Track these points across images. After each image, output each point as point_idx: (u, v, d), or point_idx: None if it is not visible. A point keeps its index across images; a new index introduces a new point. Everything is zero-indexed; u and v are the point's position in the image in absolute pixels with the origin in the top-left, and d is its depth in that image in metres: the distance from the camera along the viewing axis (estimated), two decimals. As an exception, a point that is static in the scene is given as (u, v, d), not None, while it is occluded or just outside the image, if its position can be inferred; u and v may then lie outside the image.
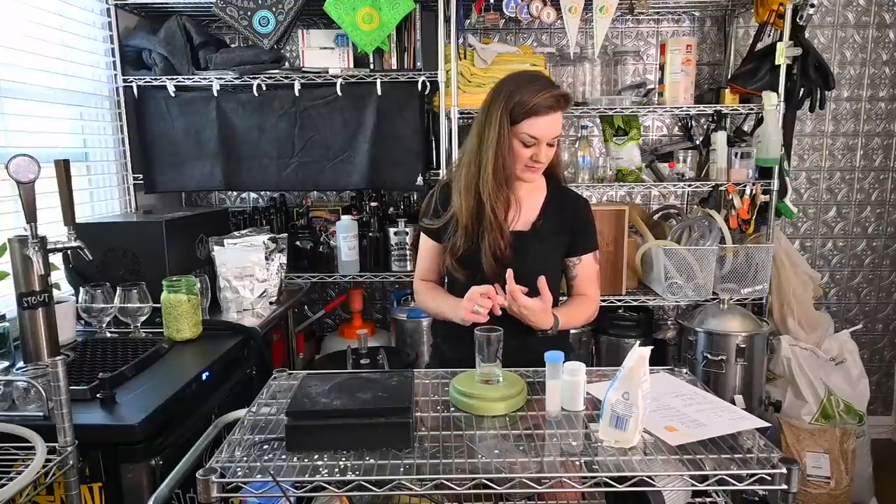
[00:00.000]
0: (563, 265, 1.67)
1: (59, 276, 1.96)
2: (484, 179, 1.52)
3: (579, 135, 2.71)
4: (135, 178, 2.59)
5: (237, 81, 2.51)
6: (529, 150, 1.51)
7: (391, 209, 2.77)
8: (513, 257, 1.56)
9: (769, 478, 0.96)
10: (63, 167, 1.56)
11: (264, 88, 2.54)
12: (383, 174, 2.60)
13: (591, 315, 1.67)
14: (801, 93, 2.50)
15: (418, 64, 2.53)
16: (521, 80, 1.52)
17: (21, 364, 1.53)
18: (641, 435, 1.06)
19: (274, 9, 2.42)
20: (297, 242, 2.67)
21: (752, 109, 2.56)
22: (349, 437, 1.06)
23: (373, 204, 2.66)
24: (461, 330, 1.51)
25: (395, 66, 2.53)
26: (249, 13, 2.43)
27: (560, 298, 1.73)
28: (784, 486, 0.96)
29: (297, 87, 2.51)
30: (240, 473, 0.97)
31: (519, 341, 1.49)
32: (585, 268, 1.66)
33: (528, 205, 1.62)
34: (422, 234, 1.71)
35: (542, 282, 1.47)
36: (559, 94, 1.48)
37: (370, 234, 2.64)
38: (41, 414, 1.32)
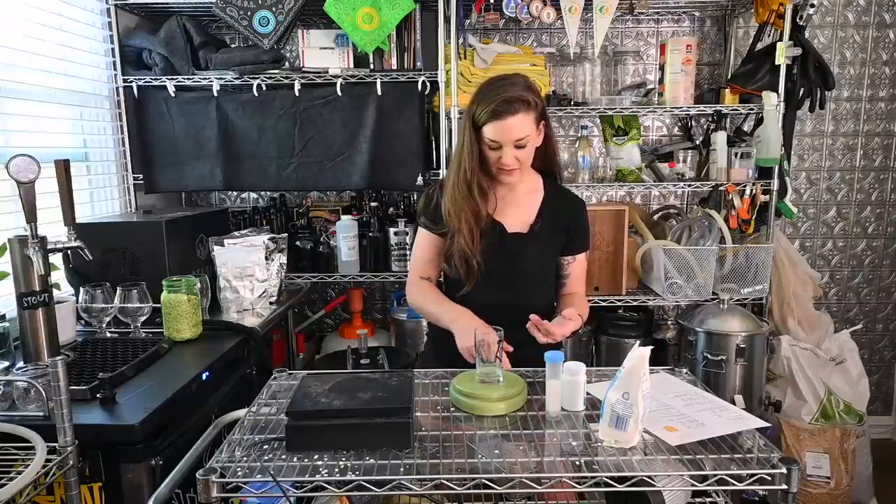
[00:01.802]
0: (557, 263, 1.69)
1: (59, 276, 1.96)
2: (452, 184, 1.57)
3: (579, 135, 2.71)
4: (135, 178, 2.59)
5: (237, 81, 2.51)
6: (496, 153, 1.52)
7: (391, 209, 2.77)
8: (508, 258, 1.59)
9: (769, 478, 0.96)
10: (63, 167, 1.56)
11: (264, 88, 2.54)
12: (383, 174, 2.60)
13: (588, 309, 1.70)
14: (801, 93, 2.50)
15: (418, 64, 2.53)
16: (487, 85, 1.54)
17: (21, 364, 1.53)
18: (641, 435, 1.06)
19: (274, 9, 2.42)
20: (297, 242, 2.67)
21: (752, 109, 2.56)
22: (349, 437, 1.06)
23: (373, 204, 2.66)
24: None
25: (395, 66, 2.53)
26: (249, 13, 2.43)
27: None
28: (784, 486, 0.96)
29: (297, 87, 2.51)
30: (240, 473, 0.97)
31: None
32: (578, 266, 1.70)
33: (525, 206, 1.64)
34: (420, 228, 1.70)
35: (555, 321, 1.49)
36: (513, 98, 1.47)
37: (370, 234, 2.64)
38: (41, 414, 1.32)
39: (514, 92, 1.48)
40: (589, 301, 2.23)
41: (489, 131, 1.49)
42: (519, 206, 1.64)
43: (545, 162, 1.67)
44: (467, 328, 1.45)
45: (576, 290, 1.70)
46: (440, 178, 1.73)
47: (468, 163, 1.53)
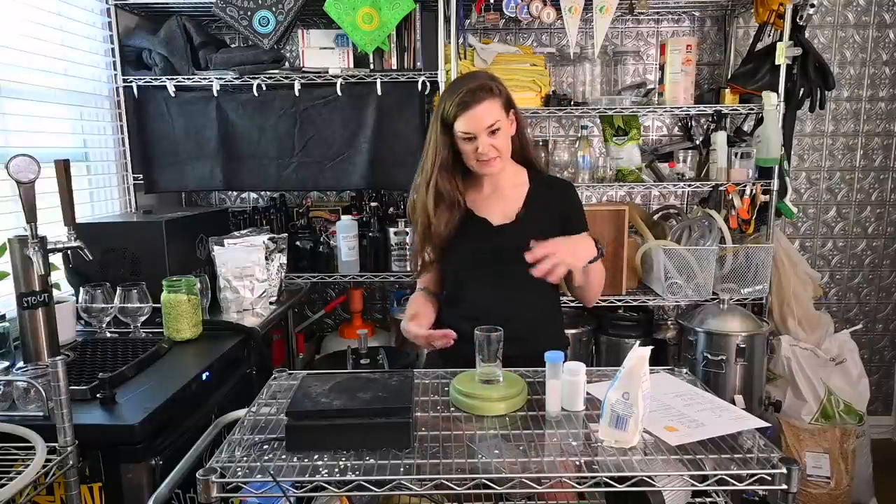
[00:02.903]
0: None
1: (59, 276, 1.96)
2: (419, 186, 1.61)
3: (579, 135, 2.71)
4: (135, 178, 2.59)
5: (237, 81, 2.51)
6: (471, 144, 1.54)
7: (391, 209, 2.77)
8: (494, 251, 1.61)
9: (769, 478, 0.96)
10: (63, 167, 1.56)
11: (264, 88, 2.54)
12: (383, 174, 2.60)
13: (603, 277, 1.66)
14: (801, 93, 2.50)
15: (418, 64, 2.53)
16: (451, 85, 1.60)
17: (21, 364, 1.53)
18: (641, 435, 1.06)
19: (274, 9, 2.42)
20: (297, 242, 2.67)
21: (752, 109, 2.56)
22: (349, 437, 1.06)
23: (373, 204, 2.66)
24: (462, 324, 1.52)
25: (395, 66, 2.53)
26: (249, 13, 2.43)
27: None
28: (784, 486, 0.96)
29: (297, 87, 2.51)
30: (240, 473, 0.97)
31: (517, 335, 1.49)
32: None
33: (511, 200, 1.66)
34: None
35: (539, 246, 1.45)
36: (477, 87, 1.52)
37: (370, 234, 2.64)
38: (41, 414, 1.32)
39: (478, 82, 1.54)
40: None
41: (461, 124, 1.52)
42: (504, 200, 1.66)
43: (522, 154, 1.68)
44: (408, 329, 1.55)
45: None
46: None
47: (430, 162, 1.58)
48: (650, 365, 1.06)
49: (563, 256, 1.42)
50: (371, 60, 2.53)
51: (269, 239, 2.14)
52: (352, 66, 2.54)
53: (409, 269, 2.61)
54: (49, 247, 1.52)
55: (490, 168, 1.58)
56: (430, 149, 1.59)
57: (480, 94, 1.51)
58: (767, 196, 2.52)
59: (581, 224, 1.69)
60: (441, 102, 1.56)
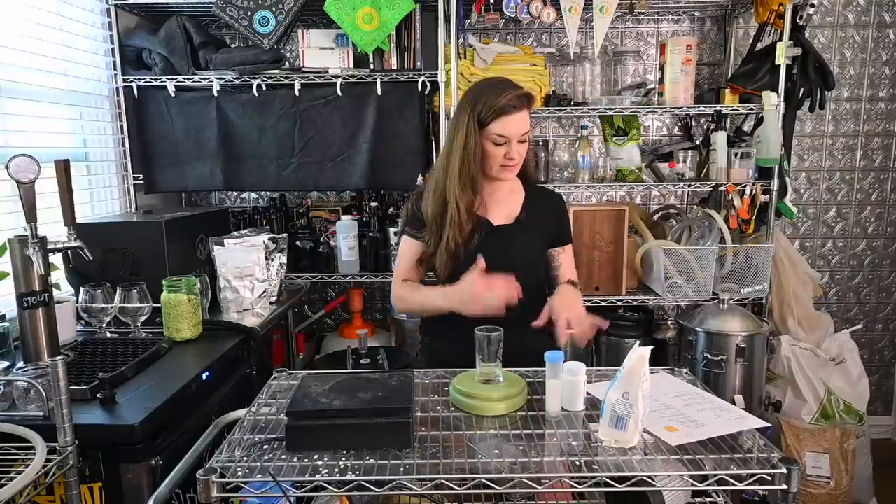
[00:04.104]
0: (547, 257, 1.73)
1: (59, 276, 1.96)
2: (450, 181, 1.59)
3: (579, 135, 2.71)
4: (135, 178, 2.59)
5: (237, 81, 2.51)
6: (501, 148, 1.57)
7: (391, 209, 2.77)
8: (496, 251, 1.61)
9: (769, 478, 0.96)
10: (63, 167, 1.56)
11: (264, 88, 2.53)
12: (383, 174, 2.60)
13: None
14: (801, 93, 2.50)
15: (418, 64, 2.53)
16: (486, 86, 1.61)
17: (21, 364, 1.53)
18: (641, 435, 1.06)
19: (274, 9, 2.42)
20: (297, 242, 2.67)
21: (752, 109, 2.56)
22: (349, 437, 1.06)
23: (373, 204, 2.66)
24: (452, 327, 1.53)
25: (395, 67, 2.53)
26: (249, 13, 2.43)
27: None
28: (784, 486, 0.96)
29: (297, 87, 2.51)
30: (240, 473, 0.97)
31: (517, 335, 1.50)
32: (567, 256, 1.75)
33: (509, 203, 1.70)
34: (404, 236, 1.73)
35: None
36: (523, 94, 1.56)
37: (370, 234, 2.64)
38: (41, 414, 1.32)
39: (522, 90, 1.56)
40: (589, 301, 2.25)
41: (498, 127, 1.54)
42: (504, 203, 1.69)
43: (522, 165, 1.70)
44: (462, 296, 1.50)
45: (571, 277, 1.74)
46: (419, 186, 1.75)
47: (472, 159, 1.56)
48: (650, 365, 1.06)
49: (579, 312, 1.51)
50: (371, 60, 2.53)
51: (269, 239, 2.14)
52: (352, 66, 2.54)
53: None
54: (49, 247, 1.52)
55: (509, 174, 1.61)
56: (469, 147, 1.55)
57: (523, 101, 1.55)
58: (767, 196, 2.52)
59: (568, 236, 1.77)
60: (477, 102, 1.55)
